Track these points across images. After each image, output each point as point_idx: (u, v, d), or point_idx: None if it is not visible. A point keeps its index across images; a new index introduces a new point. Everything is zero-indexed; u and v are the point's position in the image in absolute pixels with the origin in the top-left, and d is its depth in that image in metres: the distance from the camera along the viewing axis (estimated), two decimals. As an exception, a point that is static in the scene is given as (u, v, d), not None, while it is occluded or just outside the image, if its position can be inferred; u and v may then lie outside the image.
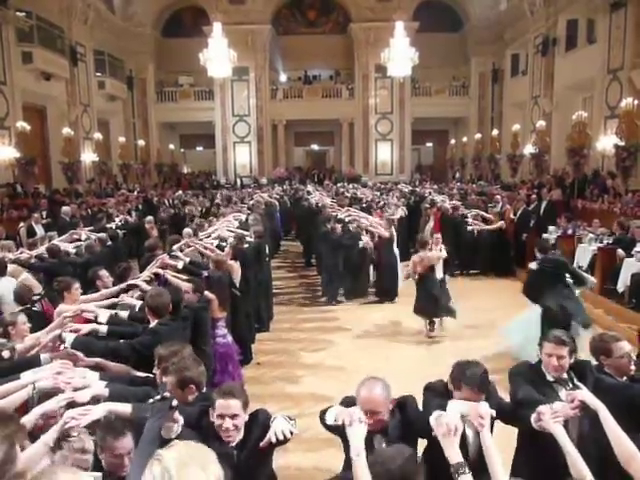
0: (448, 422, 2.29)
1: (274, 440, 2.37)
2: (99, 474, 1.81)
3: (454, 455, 2.20)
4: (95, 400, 2.59)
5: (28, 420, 2.37)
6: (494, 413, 2.49)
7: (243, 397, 2.51)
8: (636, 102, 12.50)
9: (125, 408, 2.48)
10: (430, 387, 2.93)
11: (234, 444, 2.49)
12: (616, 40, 14.67)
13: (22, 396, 2.57)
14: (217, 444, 2.45)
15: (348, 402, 2.67)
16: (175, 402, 2.31)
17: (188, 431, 2.45)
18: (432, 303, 7.53)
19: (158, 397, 2.37)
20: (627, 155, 12.14)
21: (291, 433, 2.43)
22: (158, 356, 2.96)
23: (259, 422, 2.55)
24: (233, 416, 2.45)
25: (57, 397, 2.50)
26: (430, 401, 2.77)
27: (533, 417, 2.53)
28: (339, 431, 2.50)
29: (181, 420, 2.36)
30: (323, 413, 2.65)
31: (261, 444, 2.40)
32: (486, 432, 2.33)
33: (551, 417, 2.45)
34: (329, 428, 2.61)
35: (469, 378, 2.69)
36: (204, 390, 2.87)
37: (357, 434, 2.30)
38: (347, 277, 9.55)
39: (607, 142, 14.02)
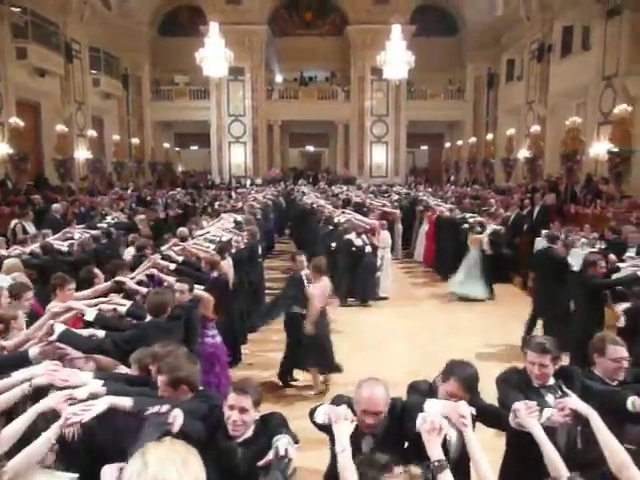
0: (434, 420, 2.31)
1: (271, 457, 2.32)
2: (76, 475, 1.81)
3: (436, 452, 2.22)
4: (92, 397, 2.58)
5: (25, 420, 2.35)
6: (474, 411, 2.50)
7: (255, 395, 2.53)
8: (630, 109, 12.60)
9: (126, 402, 2.49)
10: (414, 386, 2.94)
11: (240, 440, 2.49)
12: (611, 47, 14.77)
13: (17, 394, 2.56)
14: (223, 438, 2.50)
15: (339, 401, 2.68)
16: (172, 417, 2.31)
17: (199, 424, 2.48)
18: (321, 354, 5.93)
19: (154, 410, 2.36)
20: (620, 161, 12.22)
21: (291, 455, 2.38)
22: (153, 354, 2.96)
23: (270, 427, 2.53)
24: (242, 410, 2.47)
25: (56, 394, 2.49)
26: (409, 398, 2.80)
27: (510, 416, 2.55)
28: (327, 429, 2.52)
29: (177, 426, 2.33)
30: (313, 411, 2.67)
31: (259, 463, 2.36)
32: (469, 431, 2.34)
33: (526, 413, 2.46)
34: (318, 426, 2.62)
35: (459, 374, 2.74)
36: (200, 388, 2.86)
37: (343, 431, 2.36)
38: (345, 277, 9.56)
39: (600, 148, 14.12)
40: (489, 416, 2.79)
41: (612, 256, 8.03)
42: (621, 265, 5.88)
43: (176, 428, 2.30)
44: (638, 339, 3.73)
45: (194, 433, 2.38)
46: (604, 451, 2.31)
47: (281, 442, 2.36)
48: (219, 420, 2.53)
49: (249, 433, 2.51)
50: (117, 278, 4.87)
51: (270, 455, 2.33)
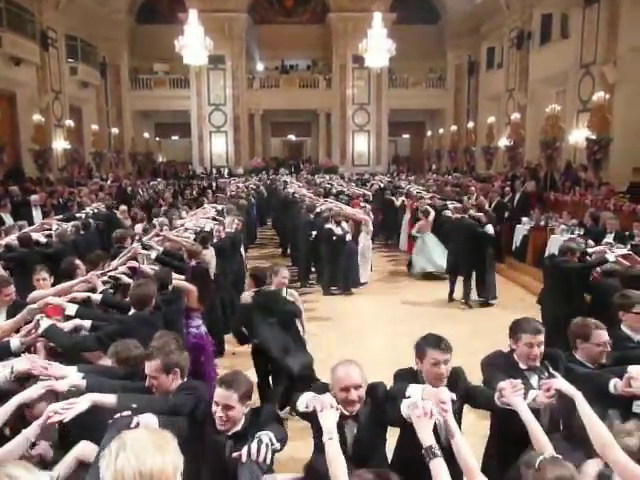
0: (425, 405, 2.32)
1: (244, 460, 2.29)
2: (55, 473, 1.80)
3: (427, 438, 2.22)
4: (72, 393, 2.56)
5: (5, 411, 2.35)
6: (454, 397, 2.51)
7: (242, 389, 2.46)
8: (607, 96, 12.74)
9: (110, 399, 2.45)
10: (398, 374, 2.97)
11: (230, 433, 2.46)
12: (589, 35, 14.88)
13: None
14: (211, 432, 2.46)
15: (319, 388, 2.70)
16: (135, 422, 2.25)
17: (179, 420, 2.44)
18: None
19: (120, 415, 2.34)
20: (598, 148, 12.37)
21: (274, 451, 2.36)
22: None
23: (261, 420, 2.50)
24: (226, 407, 2.42)
25: (36, 385, 2.49)
26: (393, 385, 2.83)
27: (496, 395, 2.58)
28: (310, 417, 2.53)
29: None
30: (295, 399, 2.67)
31: (233, 454, 2.34)
32: (450, 417, 2.35)
33: (511, 391, 2.50)
34: (300, 414, 2.63)
35: (430, 341, 2.85)
36: (186, 378, 2.84)
37: (329, 419, 2.36)
38: (327, 266, 9.57)
39: (579, 135, 14.27)
40: (477, 396, 2.84)
41: (590, 242, 8.18)
42: (589, 250, 5.98)
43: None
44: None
45: (174, 431, 2.35)
46: (588, 431, 2.35)
47: (254, 443, 2.31)
48: (206, 414, 2.49)
49: (239, 427, 2.48)
50: (111, 274, 4.85)
51: (243, 451, 2.29)
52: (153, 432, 1.57)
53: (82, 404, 2.35)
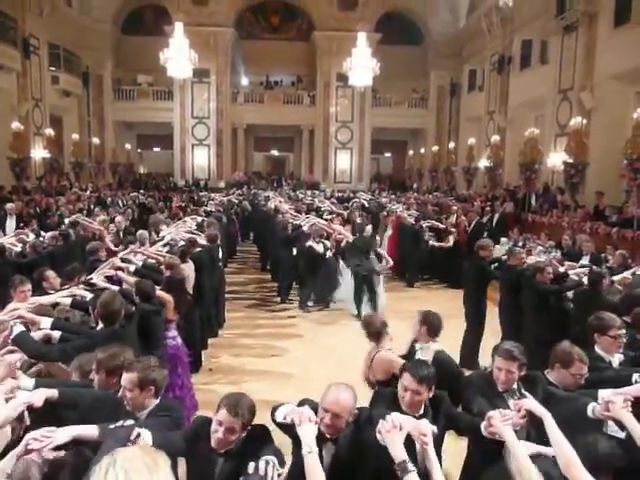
0: (393, 418, 2.30)
1: (251, 471, 2.28)
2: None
3: (398, 453, 2.20)
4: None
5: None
6: (435, 429, 2.48)
7: (247, 417, 2.43)
8: (584, 122, 13.04)
9: (92, 431, 2.38)
10: (380, 392, 2.95)
11: (222, 451, 2.44)
12: (567, 61, 15.27)
13: None
14: (204, 449, 2.43)
15: (304, 404, 2.66)
16: (135, 433, 2.21)
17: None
18: None
19: (123, 423, 2.30)
20: (575, 172, 12.60)
21: (278, 476, 2.35)
22: (97, 361, 2.92)
23: (255, 441, 2.47)
24: (229, 430, 2.39)
25: (13, 403, 2.45)
26: (375, 409, 2.80)
27: (483, 424, 2.57)
28: (288, 429, 2.50)
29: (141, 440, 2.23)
30: (274, 410, 2.64)
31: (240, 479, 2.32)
32: (430, 449, 2.32)
33: (501, 421, 2.49)
34: (279, 426, 2.60)
35: (412, 367, 2.77)
36: (160, 395, 2.79)
37: (307, 432, 2.32)
38: (306, 282, 9.54)
39: (557, 159, 14.54)
40: (459, 426, 2.83)
41: (568, 263, 8.29)
42: (570, 272, 6.10)
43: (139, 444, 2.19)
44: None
45: (171, 448, 2.28)
46: (554, 450, 2.37)
47: (262, 462, 2.30)
48: (198, 433, 2.47)
49: (231, 445, 2.46)
50: (88, 278, 4.85)
51: (250, 466, 2.28)
52: (146, 452, 1.54)
53: (62, 436, 2.27)
